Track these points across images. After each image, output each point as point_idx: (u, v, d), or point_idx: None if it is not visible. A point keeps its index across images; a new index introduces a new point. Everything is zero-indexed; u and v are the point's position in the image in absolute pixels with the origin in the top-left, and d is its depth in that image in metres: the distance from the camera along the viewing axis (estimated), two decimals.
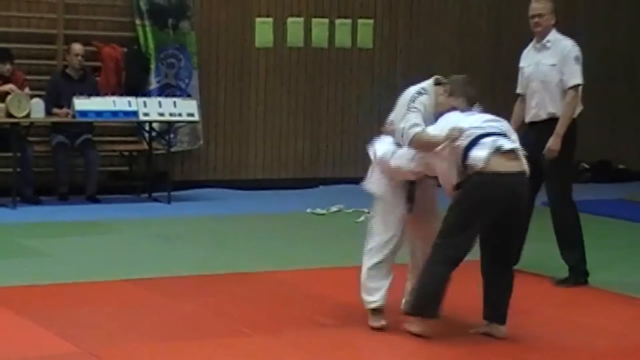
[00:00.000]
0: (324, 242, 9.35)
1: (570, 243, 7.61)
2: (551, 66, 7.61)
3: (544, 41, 7.71)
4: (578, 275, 7.58)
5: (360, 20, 12.97)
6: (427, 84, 6.35)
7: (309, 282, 7.59)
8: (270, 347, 5.91)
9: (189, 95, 11.72)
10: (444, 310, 6.20)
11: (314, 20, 12.77)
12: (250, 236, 9.49)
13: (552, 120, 7.53)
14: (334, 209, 10.93)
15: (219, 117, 12.38)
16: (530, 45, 7.87)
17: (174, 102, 11.30)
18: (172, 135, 11.54)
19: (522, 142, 6.22)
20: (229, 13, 12.36)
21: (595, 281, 7.63)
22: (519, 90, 7.85)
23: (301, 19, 12.70)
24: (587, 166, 13.95)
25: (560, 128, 7.48)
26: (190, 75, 11.94)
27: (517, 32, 13.76)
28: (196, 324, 6.31)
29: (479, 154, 5.93)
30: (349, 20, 12.93)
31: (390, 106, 14.16)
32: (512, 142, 6.04)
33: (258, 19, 12.48)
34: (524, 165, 6.03)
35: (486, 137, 6.00)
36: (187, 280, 7.54)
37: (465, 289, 6.43)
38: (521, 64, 7.87)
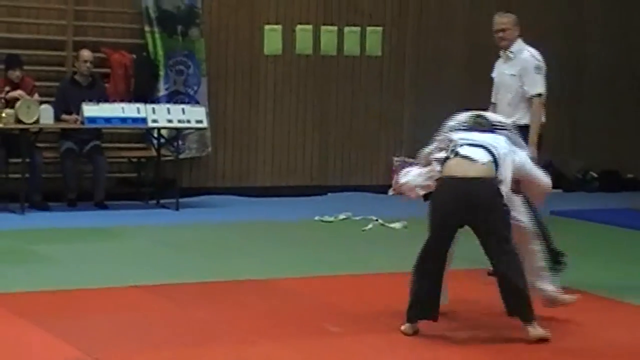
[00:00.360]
0: (332, 249, 9.34)
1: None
2: (512, 76, 7.97)
3: (509, 52, 8.07)
4: (553, 264, 7.60)
5: (369, 28, 12.98)
6: (467, 120, 6.58)
7: (317, 289, 7.58)
8: (277, 355, 5.91)
9: (197, 102, 11.74)
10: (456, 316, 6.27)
11: (322, 27, 12.79)
12: (258, 243, 9.49)
13: (514, 128, 7.60)
14: (342, 216, 10.92)
15: (228, 124, 12.40)
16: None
17: (183, 109, 11.32)
18: (180, 142, 11.56)
19: None
20: (238, 20, 12.38)
21: (604, 289, 7.61)
22: (492, 100, 8.19)
23: (310, 27, 12.71)
24: (595, 175, 13.94)
25: (532, 136, 7.73)
26: (199, 82, 11.96)
27: (527, 41, 13.80)
28: (203, 330, 6.32)
29: (442, 157, 6.34)
30: (357, 28, 12.94)
31: (398, 114, 14.17)
32: (479, 152, 6.19)
33: (267, 26, 12.50)
34: (481, 171, 6.14)
35: (465, 146, 6.26)
36: (194, 287, 7.54)
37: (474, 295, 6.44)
38: (492, 74, 8.24)
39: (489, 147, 6.26)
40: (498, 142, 6.36)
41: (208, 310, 6.81)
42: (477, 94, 13.24)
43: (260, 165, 12.62)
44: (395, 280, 7.99)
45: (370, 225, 10.46)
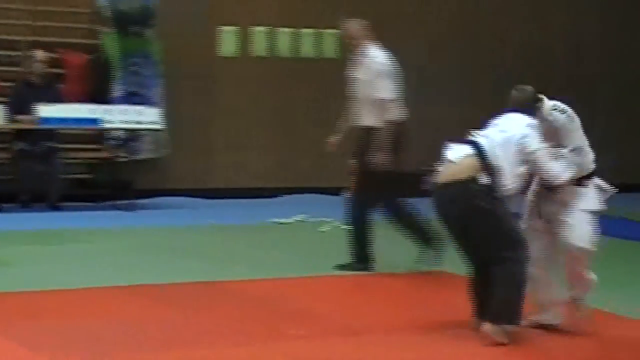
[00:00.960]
0: (288, 251, 9.32)
1: (354, 233, 8.26)
2: (360, 81, 8.26)
3: (358, 57, 8.34)
4: (357, 262, 8.23)
5: (325, 30, 12.98)
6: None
7: (275, 291, 7.55)
8: (237, 359, 5.87)
9: (153, 104, 11.68)
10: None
11: (279, 29, 12.78)
12: (214, 246, 9.45)
13: (364, 129, 8.20)
14: (298, 218, 10.92)
15: (184, 126, 12.34)
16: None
17: (138, 110, 11.26)
18: (136, 144, 11.50)
19: None
20: (194, 21, 12.34)
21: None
22: (350, 95, 8.48)
23: (267, 28, 12.70)
24: None
25: (380, 140, 8.08)
26: (155, 84, 11.91)
27: (489, 43, 13.87)
28: (158, 333, 6.25)
29: None
30: (314, 30, 12.94)
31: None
32: (460, 149, 6.10)
33: (223, 28, 12.47)
34: (455, 173, 6.01)
35: (452, 147, 6.18)
36: (150, 289, 7.49)
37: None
38: (350, 75, 8.47)
39: (477, 138, 6.07)
40: (506, 124, 6.13)
41: (164, 313, 6.76)
42: (435, 97, 13.35)
43: (217, 167, 12.58)
44: (351, 282, 8.02)
45: (326, 227, 10.45)
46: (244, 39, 12.57)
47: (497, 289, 5.97)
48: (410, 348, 6.07)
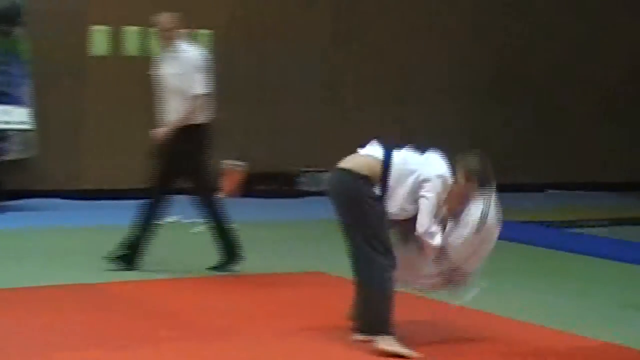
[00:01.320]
0: (160, 252, 9.24)
1: (218, 233, 8.34)
2: (174, 75, 8.19)
3: (171, 51, 8.28)
4: (225, 262, 8.30)
5: (200, 31, 12.92)
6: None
7: (146, 293, 7.50)
8: None
9: (21, 103, 11.48)
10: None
11: (151, 29, 12.66)
12: (82, 247, 9.33)
13: (176, 127, 8.17)
14: (171, 219, 10.82)
15: (54, 126, 12.15)
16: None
17: (6, 110, 11.09)
18: (3, 144, 11.29)
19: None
20: (64, 20, 12.16)
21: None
22: (160, 99, 8.42)
23: (138, 28, 12.58)
24: None
25: (172, 124, 8.17)
26: (23, 83, 11.69)
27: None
28: (24, 339, 6.13)
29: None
30: (187, 31, 12.84)
31: (228, 119, 14.05)
32: (372, 151, 6.09)
33: (94, 27, 12.31)
34: (355, 164, 6.02)
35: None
36: (16, 293, 7.35)
37: None
38: (158, 73, 8.43)
39: (396, 151, 6.05)
40: (425, 161, 6.08)
41: (29, 318, 6.63)
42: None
43: (89, 168, 12.42)
44: (221, 282, 8.02)
45: (199, 228, 10.39)
46: (116, 39, 12.43)
47: (367, 298, 5.97)
48: (280, 351, 6.10)
